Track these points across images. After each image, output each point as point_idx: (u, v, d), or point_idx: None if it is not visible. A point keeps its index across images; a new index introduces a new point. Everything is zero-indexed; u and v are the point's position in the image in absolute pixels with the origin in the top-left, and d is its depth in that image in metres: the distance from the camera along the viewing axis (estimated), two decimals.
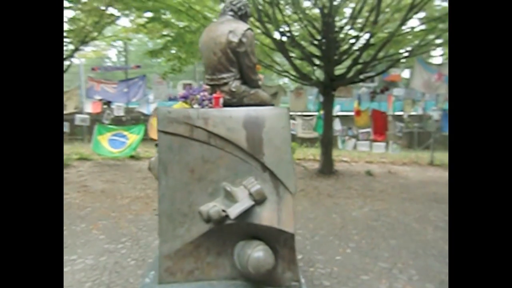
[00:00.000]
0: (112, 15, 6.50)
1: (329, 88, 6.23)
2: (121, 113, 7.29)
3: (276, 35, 5.45)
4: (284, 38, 5.40)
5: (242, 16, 2.18)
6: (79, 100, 7.51)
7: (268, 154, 1.82)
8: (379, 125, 7.82)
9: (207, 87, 2.07)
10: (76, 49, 6.26)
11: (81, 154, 7.30)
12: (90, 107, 7.30)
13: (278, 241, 1.81)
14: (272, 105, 2.34)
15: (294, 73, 6.14)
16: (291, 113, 8.06)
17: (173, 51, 6.29)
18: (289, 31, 5.34)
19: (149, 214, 4.37)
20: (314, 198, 5.33)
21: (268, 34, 5.59)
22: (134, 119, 7.91)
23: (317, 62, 6.20)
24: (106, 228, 3.92)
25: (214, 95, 1.99)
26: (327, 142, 6.54)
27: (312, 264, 3.16)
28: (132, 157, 7.46)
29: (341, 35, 5.96)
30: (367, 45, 5.92)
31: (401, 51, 6.65)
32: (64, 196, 5.13)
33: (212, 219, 1.76)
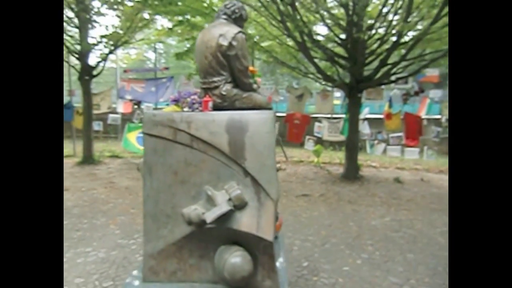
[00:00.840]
0: (144, 19, 6.81)
1: (355, 90, 6.01)
2: None
3: (298, 36, 5.35)
4: (306, 38, 5.29)
5: (237, 19, 2.18)
6: (112, 101, 7.96)
7: (250, 159, 1.79)
8: (412, 129, 7.39)
9: (198, 90, 2.09)
10: (110, 52, 6.64)
11: (113, 152, 7.73)
12: (121, 107, 7.72)
13: (258, 248, 1.78)
14: (270, 108, 2.31)
15: (318, 75, 6.00)
16: (317, 115, 7.92)
17: None
18: (309, 31, 5.22)
19: None
20: (333, 204, 5.16)
21: (289, 35, 5.53)
22: None
23: (342, 63, 6.01)
24: (123, 223, 4.11)
25: (204, 98, 2.01)
26: (351, 146, 6.31)
27: (316, 273, 3.07)
28: None
29: (369, 35, 5.71)
30: (396, 44, 5.62)
31: (436, 50, 6.23)
32: (91, 191, 5.47)
33: (192, 222, 1.77)
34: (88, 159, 6.94)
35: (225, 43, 2.00)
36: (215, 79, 2.07)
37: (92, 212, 4.47)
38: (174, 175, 1.83)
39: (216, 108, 2.10)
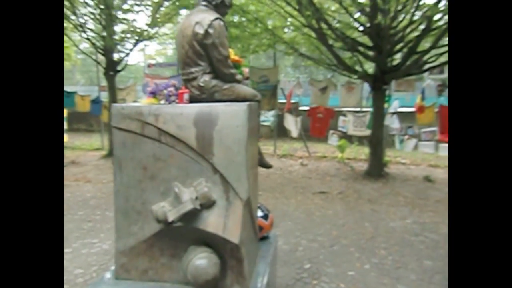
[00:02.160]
0: (167, 13, 6.88)
1: (379, 81, 5.61)
2: None
3: (316, 23, 5.08)
4: (323, 26, 5.00)
5: (218, 5, 2.04)
6: (137, 95, 8.18)
7: (218, 155, 1.67)
8: (448, 123, 6.78)
9: (175, 82, 1.99)
10: (134, 47, 6.81)
11: None
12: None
13: (225, 250, 1.66)
14: (257, 101, 2.17)
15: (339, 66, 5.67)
16: (341, 109, 7.54)
17: None
18: (325, 20, 4.92)
19: None
20: (351, 203, 4.89)
21: (309, 25, 5.27)
22: None
23: (366, 52, 5.62)
24: None
25: (179, 90, 1.91)
26: (376, 141, 5.93)
27: (317, 277, 2.89)
28: None
29: (396, 21, 5.26)
30: (427, 31, 5.14)
31: None
32: (111, 183, 5.65)
33: (159, 220, 1.69)
34: (113, 152, 7.20)
35: (201, 31, 1.88)
36: (193, 69, 1.97)
37: (107, 204, 4.61)
38: (144, 170, 1.76)
39: (195, 100, 2.00)
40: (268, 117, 7.57)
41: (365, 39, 5.73)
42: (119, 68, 6.89)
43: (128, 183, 1.78)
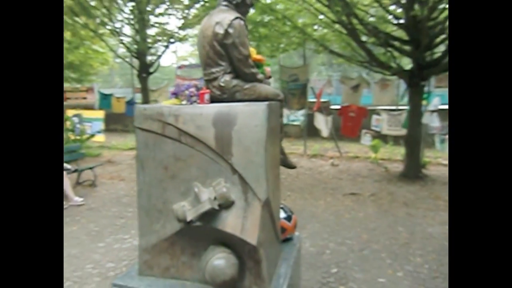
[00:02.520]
0: (197, 14, 7.01)
1: (416, 77, 5.30)
2: None
3: (346, 19, 4.90)
4: (354, 21, 4.81)
5: (239, 5, 2.02)
6: (169, 97, 8.43)
7: (237, 155, 1.65)
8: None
9: (197, 82, 2.00)
10: (166, 48, 7.02)
11: None
12: None
13: (244, 251, 1.64)
14: (280, 100, 2.13)
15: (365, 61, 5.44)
16: (375, 108, 7.24)
17: None
18: (356, 15, 4.73)
19: None
20: (384, 205, 4.67)
21: (339, 21, 5.11)
22: None
23: (401, 47, 5.34)
24: None
25: (200, 91, 1.92)
26: (413, 141, 5.62)
27: (344, 282, 2.79)
28: None
29: (437, 12, 4.93)
30: None
31: None
32: None
33: (179, 219, 1.71)
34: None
35: (221, 31, 1.87)
36: (214, 70, 1.96)
37: None
38: (165, 170, 1.78)
39: (216, 100, 2.00)
40: (297, 117, 7.45)
41: (401, 33, 5.45)
42: (151, 70, 7.14)
43: (150, 182, 1.82)
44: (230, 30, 1.87)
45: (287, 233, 2.28)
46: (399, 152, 7.50)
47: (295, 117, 7.46)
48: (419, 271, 2.96)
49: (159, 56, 7.06)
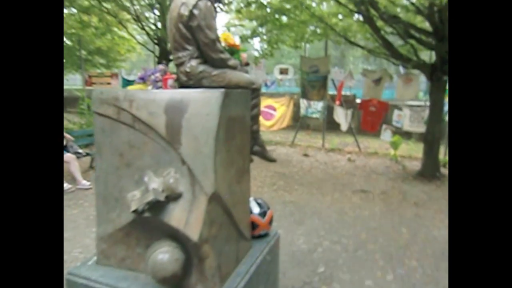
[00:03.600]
0: None
1: (439, 71, 4.86)
2: None
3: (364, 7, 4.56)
4: (370, 9, 4.47)
5: None
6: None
7: (186, 145, 1.56)
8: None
9: (162, 67, 1.92)
10: None
11: None
12: None
13: (190, 246, 1.56)
14: (255, 89, 2.00)
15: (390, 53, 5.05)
16: (396, 103, 6.78)
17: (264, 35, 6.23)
18: (372, 3, 4.37)
19: None
20: (393, 205, 4.39)
21: (358, 10, 4.78)
22: None
23: (424, 38, 4.90)
24: None
25: (165, 76, 1.84)
26: (431, 139, 5.21)
27: (328, 282, 2.65)
28: None
29: None
30: None
31: None
32: None
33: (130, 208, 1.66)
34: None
35: (186, 12, 1.77)
36: (180, 54, 1.87)
37: None
38: (121, 157, 1.73)
39: (183, 86, 1.92)
40: (317, 109, 7.19)
41: (422, 23, 5.00)
42: (171, 57, 7.18)
43: (107, 169, 1.78)
44: (195, 12, 1.75)
45: (260, 229, 2.17)
46: (421, 149, 7.02)
47: (314, 109, 7.19)
48: (411, 275, 2.73)
49: None
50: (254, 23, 6.29)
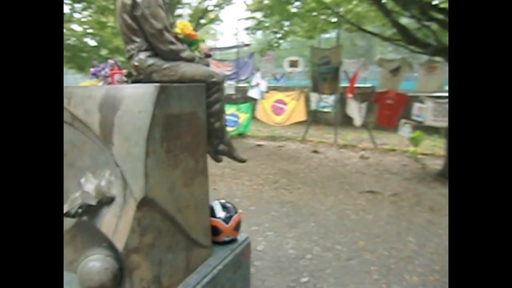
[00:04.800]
0: None
1: None
2: (232, 92, 7.71)
3: None
4: None
5: None
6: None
7: (117, 145, 1.43)
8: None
9: (112, 62, 1.81)
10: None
11: None
12: None
13: (120, 256, 1.43)
14: (215, 82, 1.84)
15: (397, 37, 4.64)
16: (417, 94, 6.28)
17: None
18: None
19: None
20: (403, 209, 4.05)
21: None
22: (243, 98, 8.21)
23: (446, 21, 4.43)
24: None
25: (112, 71, 1.72)
26: None
27: None
28: (239, 134, 7.84)
29: None
30: None
31: None
32: None
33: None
34: None
35: (128, 1, 1.63)
36: (129, 47, 1.75)
37: None
38: (64, 157, 1.65)
39: (135, 82, 1.79)
40: (328, 103, 6.85)
41: (445, 3, 4.52)
42: None
43: None
44: (138, 0, 1.61)
45: (224, 235, 2.02)
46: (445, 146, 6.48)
47: (325, 103, 6.86)
48: None
49: None
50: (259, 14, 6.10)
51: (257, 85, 7.34)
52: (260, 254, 2.97)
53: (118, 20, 1.74)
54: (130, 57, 1.75)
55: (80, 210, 1.45)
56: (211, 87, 1.84)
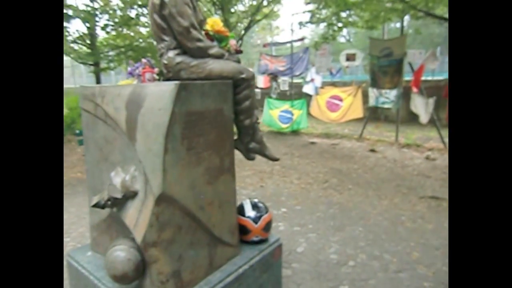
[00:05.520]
0: None
1: None
2: (286, 88, 7.58)
3: None
4: None
5: None
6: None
7: (140, 142, 1.48)
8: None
9: (144, 61, 1.87)
10: (248, 28, 6.98)
11: None
12: (261, 82, 8.07)
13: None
14: (245, 79, 1.81)
15: None
16: None
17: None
18: None
19: (255, 190, 4.47)
20: None
21: None
22: (298, 94, 7.99)
23: None
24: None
25: (144, 69, 1.79)
26: None
27: None
28: (293, 131, 7.69)
29: None
30: None
31: None
32: None
33: None
34: None
35: (157, 1, 1.67)
36: (159, 46, 1.79)
37: None
38: (100, 151, 1.76)
39: (166, 80, 1.84)
40: (389, 98, 6.32)
41: None
42: None
43: (92, 162, 1.84)
44: None
45: (252, 235, 1.98)
46: None
47: (386, 99, 6.34)
48: None
49: (243, 35, 7.09)
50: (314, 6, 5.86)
51: (312, 80, 7.11)
52: (299, 256, 2.86)
53: (150, 20, 1.80)
54: (161, 56, 1.80)
55: (108, 203, 1.53)
56: (240, 84, 1.80)
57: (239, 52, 1.93)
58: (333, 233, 3.25)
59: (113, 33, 7.32)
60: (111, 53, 7.39)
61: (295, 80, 8.02)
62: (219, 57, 1.78)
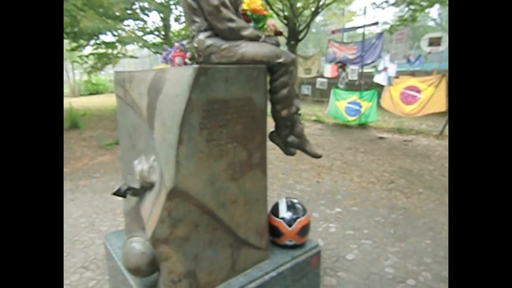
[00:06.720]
0: None
1: None
2: (355, 77, 6.96)
3: None
4: None
5: None
6: (321, 65, 7.90)
7: (157, 130, 1.39)
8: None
9: (177, 45, 1.77)
10: (316, 12, 6.56)
11: (318, 117, 7.88)
12: (329, 72, 7.54)
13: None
14: (282, 64, 1.60)
15: None
16: None
17: None
18: None
19: (310, 185, 4.20)
20: None
21: None
22: (367, 84, 7.25)
23: None
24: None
25: (174, 54, 1.69)
26: None
27: None
28: (361, 124, 7.08)
29: None
30: None
31: None
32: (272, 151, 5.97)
33: None
34: None
35: None
36: (191, 28, 1.67)
37: None
38: (129, 139, 1.74)
39: (198, 64, 1.72)
40: None
41: None
42: (300, 37, 6.91)
43: (124, 148, 1.84)
44: None
45: (285, 238, 1.78)
46: None
47: None
48: None
49: (309, 22, 6.70)
50: None
51: (385, 69, 6.40)
52: (348, 265, 2.55)
53: (181, 1, 1.68)
54: (192, 39, 1.68)
55: (129, 192, 1.49)
56: (276, 70, 1.59)
57: (278, 34, 1.71)
58: (393, 243, 2.83)
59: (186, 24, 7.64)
60: (183, 42, 7.75)
61: (366, 70, 7.33)
62: (254, 39, 1.58)
